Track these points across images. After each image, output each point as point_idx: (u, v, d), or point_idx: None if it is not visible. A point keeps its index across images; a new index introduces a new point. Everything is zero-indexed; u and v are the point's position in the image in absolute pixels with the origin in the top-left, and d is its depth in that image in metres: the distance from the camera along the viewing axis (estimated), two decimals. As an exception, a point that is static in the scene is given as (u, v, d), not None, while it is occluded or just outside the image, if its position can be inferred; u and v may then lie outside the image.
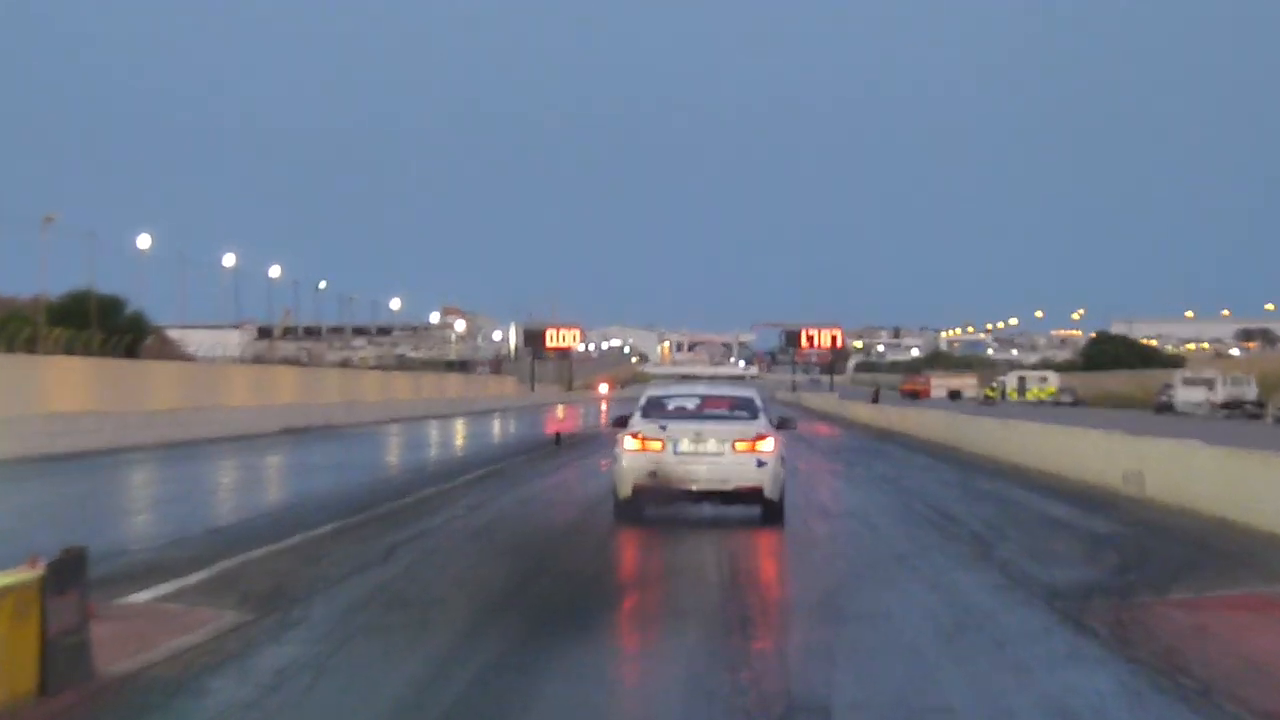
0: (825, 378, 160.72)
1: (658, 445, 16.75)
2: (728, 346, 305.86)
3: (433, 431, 49.80)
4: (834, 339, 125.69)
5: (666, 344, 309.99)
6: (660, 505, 17.12)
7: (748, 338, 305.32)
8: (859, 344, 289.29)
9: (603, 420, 63.52)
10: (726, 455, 16.70)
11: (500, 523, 17.72)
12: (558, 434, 38.64)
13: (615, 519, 17.04)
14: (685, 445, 16.74)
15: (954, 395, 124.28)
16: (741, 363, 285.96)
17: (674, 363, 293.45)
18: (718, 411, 17.47)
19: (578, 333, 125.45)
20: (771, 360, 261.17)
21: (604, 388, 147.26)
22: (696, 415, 17.30)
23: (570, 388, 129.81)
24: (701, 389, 18.66)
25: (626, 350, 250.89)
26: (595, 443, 40.01)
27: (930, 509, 19.89)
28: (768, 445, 16.82)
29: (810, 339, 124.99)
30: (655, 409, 17.44)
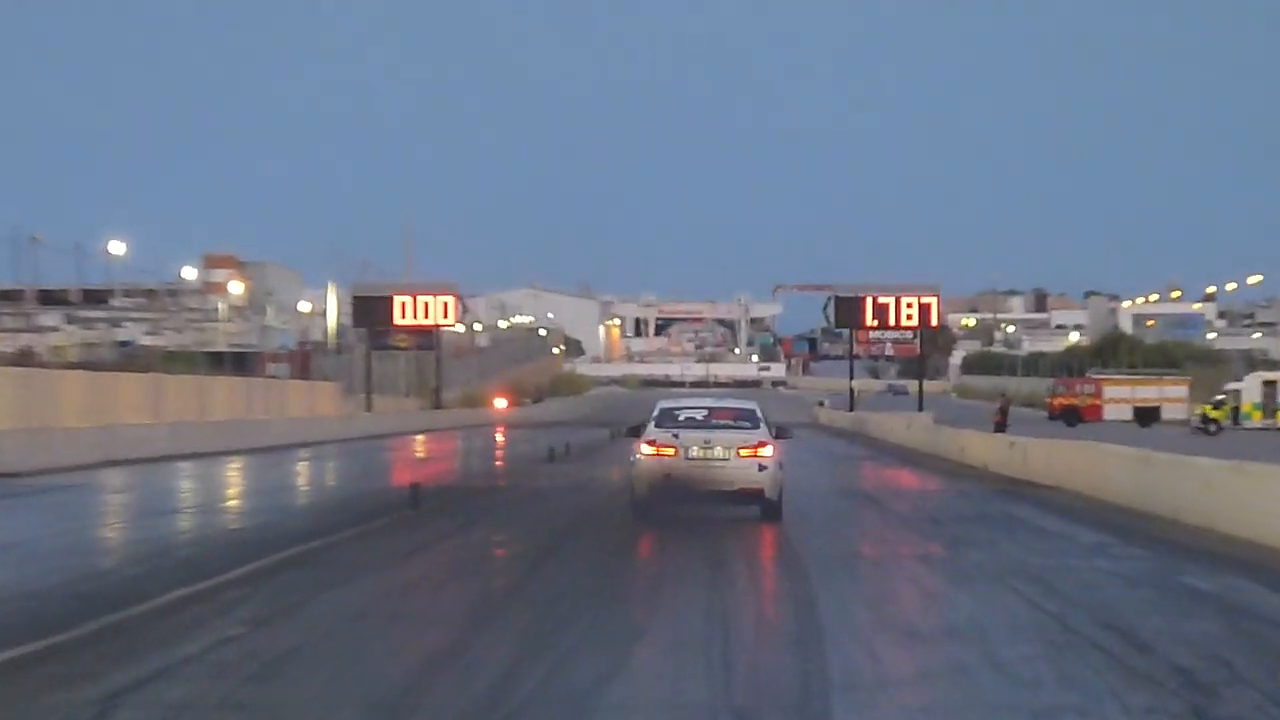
0: (910, 384, 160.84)
1: (671, 451, 32.22)
2: (728, 327, 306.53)
3: (186, 483, 49.61)
4: (926, 312, 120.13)
5: (616, 322, 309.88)
6: (673, 504, 32.38)
7: (767, 310, 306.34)
8: (970, 322, 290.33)
9: (498, 462, 63.49)
10: (732, 460, 32.20)
11: (306, 652, 17.73)
12: (415, 487, 38.60)
13: (633, 517, 32.69)
14: (695, 451, 32.22)
15: (1145, 416, 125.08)
16: (754, 357, 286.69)
17: (630, 356, 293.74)
18: (723, 422, 33.44)
19: (452, 302, 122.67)
20: (810, 351, 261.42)
21: (501, 403, 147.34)
22: (705, 425, 33.21)
23: (439, 403, 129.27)
24: (709, 402, 35.90)
25: (544, 333, 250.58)
26: (484, 501, 39.89)
27: (1101, 625, 20.00)
28: (767, 451, 32.43)
29: (881, 312, 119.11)
30: (668, 419, 33.33)
